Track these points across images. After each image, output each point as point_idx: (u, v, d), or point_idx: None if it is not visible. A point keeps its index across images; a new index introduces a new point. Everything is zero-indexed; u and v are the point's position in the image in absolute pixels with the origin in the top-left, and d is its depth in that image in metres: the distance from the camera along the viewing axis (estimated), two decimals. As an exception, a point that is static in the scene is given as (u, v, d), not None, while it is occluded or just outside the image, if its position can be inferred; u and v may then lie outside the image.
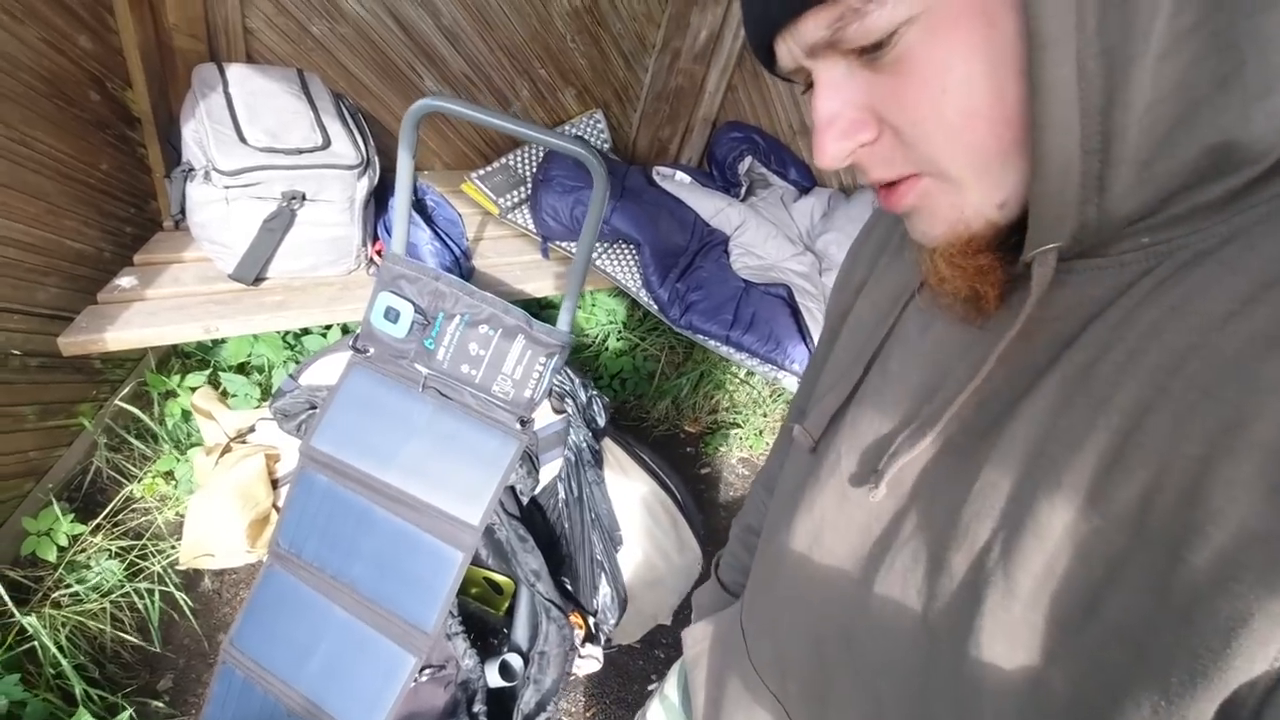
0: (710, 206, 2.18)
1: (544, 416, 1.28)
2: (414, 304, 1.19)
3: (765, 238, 2.17)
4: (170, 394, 1.83)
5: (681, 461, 2.47)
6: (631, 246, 2.10)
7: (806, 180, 2.40)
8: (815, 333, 1.97)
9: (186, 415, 1.82)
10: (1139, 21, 0.30)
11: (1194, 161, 0.32)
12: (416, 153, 1.14)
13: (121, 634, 1.49)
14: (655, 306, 2.03)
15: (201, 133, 1.54)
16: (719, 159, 2.38)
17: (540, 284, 2.02)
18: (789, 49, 0.37)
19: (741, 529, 0.80)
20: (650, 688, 1.70)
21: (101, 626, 1.47)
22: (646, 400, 2.58)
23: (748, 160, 2.34)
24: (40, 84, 1.36)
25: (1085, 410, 0.34)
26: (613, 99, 2.49)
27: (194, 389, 1.80)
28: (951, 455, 0.41)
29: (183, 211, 1.65)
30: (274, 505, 1.36)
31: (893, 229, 0.55)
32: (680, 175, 2.27)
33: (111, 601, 1.50)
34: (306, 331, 2.03)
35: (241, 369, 1.97)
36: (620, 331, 2.54)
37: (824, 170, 0.37)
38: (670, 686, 0.84)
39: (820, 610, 0.51)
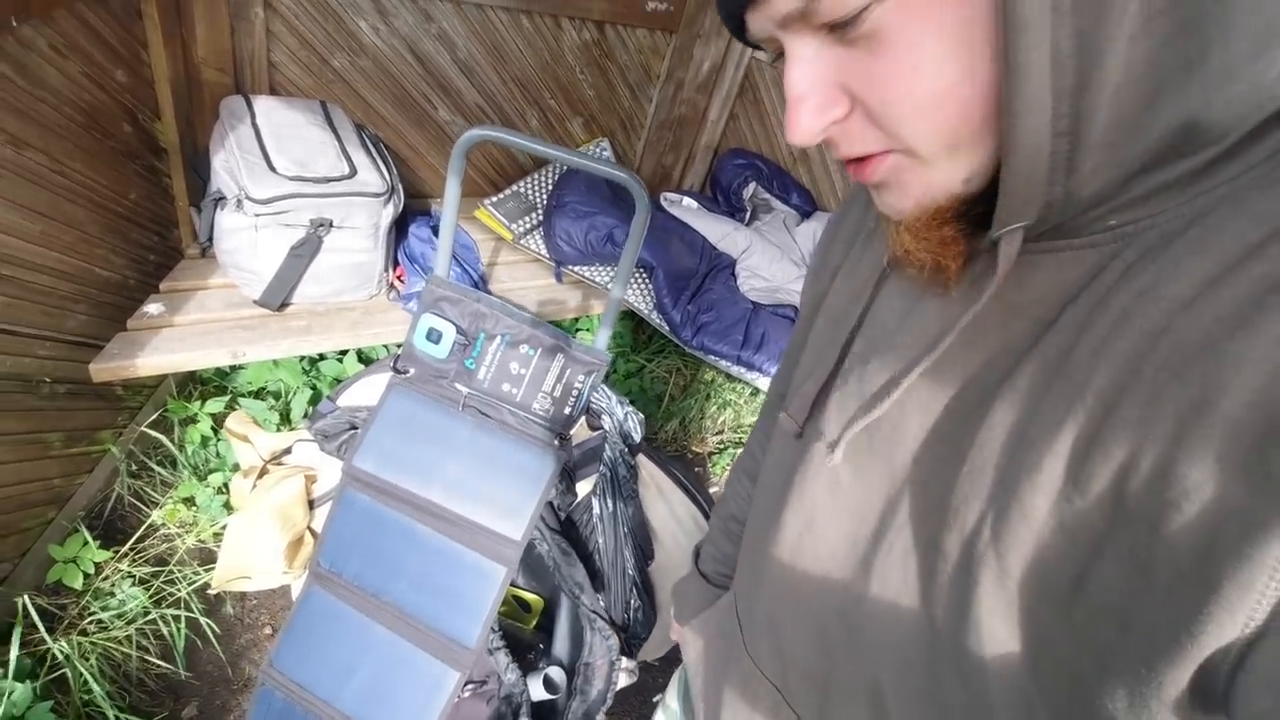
0: (717, 231, 2.24)
1: (580, 433, 1.32)
2: (456, 325, 1.22)
3: (771, 260, 2.24)
4: (190, 420, 1.84)
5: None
6: (642, 270, 2.15)
7: (808, 204, 2.48)
8: (824, 351, 2.02)
9: (205, 441, 1.82)
10: (1114, 2, 0.30)
11: (1157, 143, 0.32)
12: (462, 178, 1.18)
13: (147, 660, 1.48)
14: (668, 328, 2.08)
15: (233, 162, 1.57)
16: (724, 185, 2.46)
17: (556, 308, 2.06)
18: (760, 19, 0.37)
19: (723, 518, 0.80)
20: (655, 699, 1.70)
21: (128, 653, 1.46)
22: (655, 421, 2.61)
23: (752, 186, 2.41)
24: (80, 116, 1.39)
25: (1063, 394, 0.35)
26: (618, 127, 2.56)
27: (213, 415, 1.81)
28: (940, 441, 0.42)
29: (210, 239, 1.68)
30: (308, 527, 1.37)
31: (865, 214, 0.56)
32: (688, 201, 2.34)
33: (137, 629, 1.49)
34: (323, 357, 2.05)
35: (259, 394, 1.99)
36: (628, 354, 2.59)
37: (797, 145, 0.37)
38: (671, 695, 0.84)
39: (818, 599, 0.51)
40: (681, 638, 0.73)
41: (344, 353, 2.06)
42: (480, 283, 1.98)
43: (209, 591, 1.56)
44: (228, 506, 1.67)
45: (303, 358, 1.98)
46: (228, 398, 1.90)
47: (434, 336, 1.23)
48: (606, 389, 1.28)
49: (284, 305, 1.71)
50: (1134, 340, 0.33)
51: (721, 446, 2.63)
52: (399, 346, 1.73)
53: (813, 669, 0.53)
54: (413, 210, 2.05)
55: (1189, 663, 0.30)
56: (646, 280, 2.14)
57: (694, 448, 2.65)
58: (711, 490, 2.52)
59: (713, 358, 2.07)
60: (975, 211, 0.37)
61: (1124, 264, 0.35)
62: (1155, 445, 0.31)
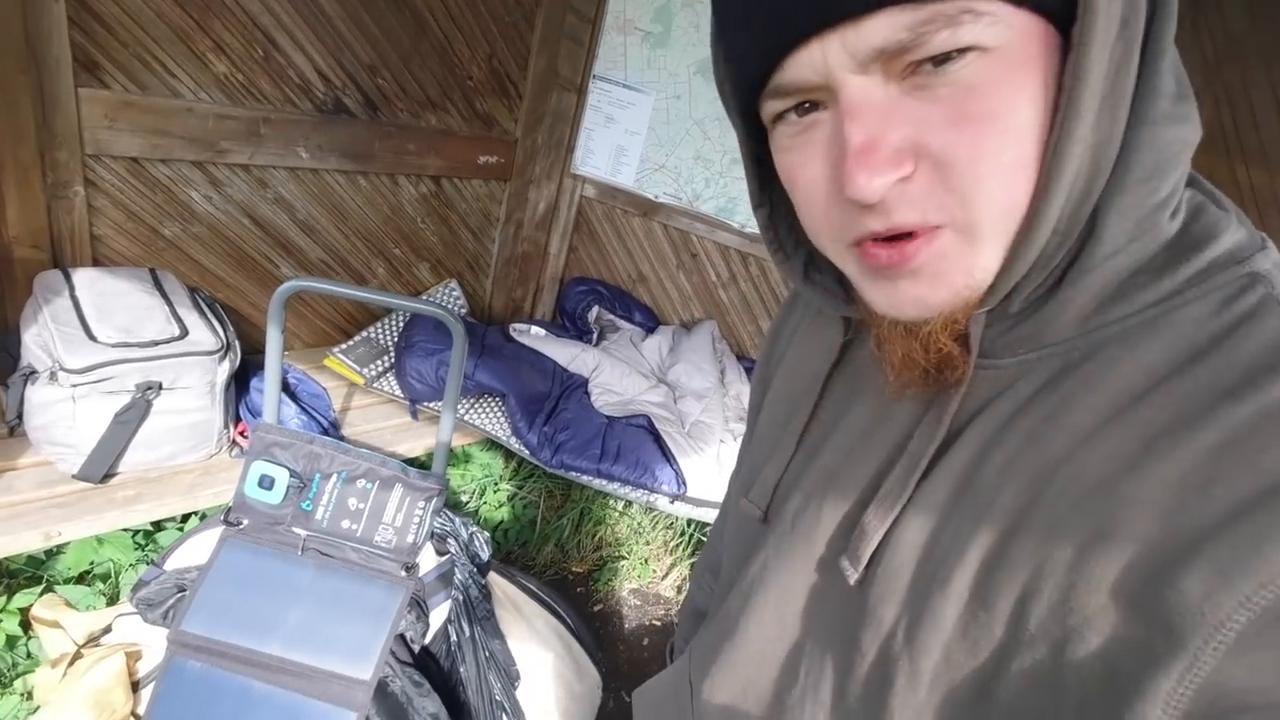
0: (566, 354, 2.38)
1: (427, 560, 1.32)
2: (289, 469, 1.23)
3: (621, 375, 2.39)
4: (-8, 620, 1.64)
5: (574, 602, 2.47)
6: (497, 399, 2.23)
7: (650, 321, 2.70)
8: (679, 455, 2.15)
9: (13, 642, 1.62)
10: (1120, 114, 0.32)
11: (1074, 241, 0.35)
12: (283, 328, 1.23)
13: None
14: (527, 451, 2.14)
15: (46, 336, 1.53)
16: (569, 311, 2.63)
17: (412, 444, 2.07)
18: (829, 53, 0.33)
19: (689, 614, 0.80)
20: None
21: None
22: (531, 547, 2.59)
23: (595, 309, 2.60)
24: None
25: (972, 509, 0.36)
26: (465, 268, 2.71)
27: (23, 609, 1.63)
28: None
29: (19, 416, 1.59)
30: (133, 713, 1.24)
31: (806, 311, 0.57)
32: (535, 329, 2.48)
33: None
34: (160, 528, 1.91)
35: (82, 578, 1.81)
36: (497, 484, 2.59)
37: (863, 199, 0.34)
38: None
39: (755, 685, 0.51)
40: (635, 697, 0.72)
41: (186, 518, 1.94)
42: (332, 429, 1.97)
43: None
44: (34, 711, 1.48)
45: (135, 531, 1.85)
46: (41, 587, 1.72)
47: (266, 483, 1.23)
48: (449, 512, 1.31)
49: (108, 476, 1.62)
50: (1038, 465, 0.35)
51: (601, 563, 2.63)
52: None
53: None
54: (255, 365, 2.04)
55: None
56: (500, 409, 2.21)
57: (574, 568, 2.63)
58: (596, 609, 2.49)
59: (574, 474, 2.14)
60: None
61: (1030, 388, 0.37)
62: (1056, 570, 0.33)
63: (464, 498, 2.56)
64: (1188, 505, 0.30)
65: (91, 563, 1.82)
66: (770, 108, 0.37)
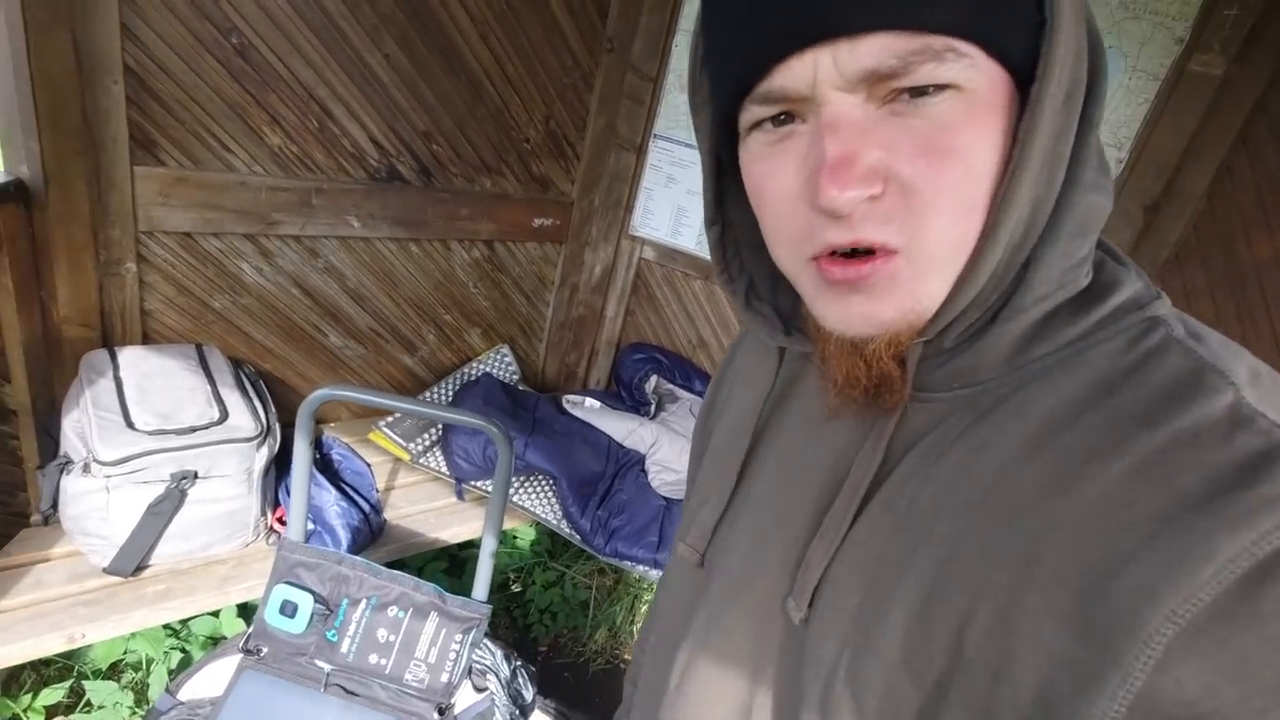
0: (622, 429, 2.23)
1: (464, 698, 1.16)
2: (314, 593, 1.10)
3: (680, 452, 2.22)
4: (15, 718, 1.56)
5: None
6: (546, 479, 2.08)
7: (710, 391, 2.52)
8: (742, 544, 1.95)
9: (36, 745, 1.54)
10: (1057, 175, 0.36)
11: (1010, 282, 0.38)
12: (311, 439, 1.12)
13: None
14: (579, 538, 1.98)
15: (84, 423, 1.47)
16: (625, 380, 2.49)
17: (458, 529, 1.94)
18: (820, 67, 0.34)
19: (632, 680, 0.75)
20: None
21: None
22: (582, 631, 2.42)
23: (653, 379, 2.45)
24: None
25: (909, 541, 0.38)
26: (518, 333, 2.61)
27: (48, 708, 1.55)
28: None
29: (54, 506, 1.53)
30: None
31: (744, 358, 0.59)
32: (590, 401, 2.34)
33: None
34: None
35: (112, 671, 1.73)
36: (546, 562, 2.44)
37: (834, 208, 0.34)
38: None
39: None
40: None
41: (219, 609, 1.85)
42: (374, 512, 1.86)
43: None
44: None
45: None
46: (71, 681, 1.64)
47: (288, 610, 1.10)
48: (490, 644, 1.16)
49: (139, 569, 1.54)
50: (970, 494, 0.36)
51: (656, 652, 2.44)
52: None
53: None
54: (300, 441, 1.96)
55: None
56: (551, 490, 2.07)
57: (626, 655, 2.44)
58: (650, 706, 2.30)
59: (628, 564, 1.97)
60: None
61: (962, 421, 0.39)
62: (992, 594, 0.34)
63: (510, 576, 2.41)
64: (1112, 525, 0.32)
65: (125, 653, 1.74)
66: (751, 114, 0.38)
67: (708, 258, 2.35)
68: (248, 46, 1.67)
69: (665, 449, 2.21)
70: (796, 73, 0.34)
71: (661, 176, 2.42)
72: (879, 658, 0.37)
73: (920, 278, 0.36)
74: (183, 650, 1.78)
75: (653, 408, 2.42)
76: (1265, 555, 0.28)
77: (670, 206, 2.43)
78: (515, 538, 2.42)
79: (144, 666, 1.74)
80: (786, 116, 0.37)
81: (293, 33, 1.71)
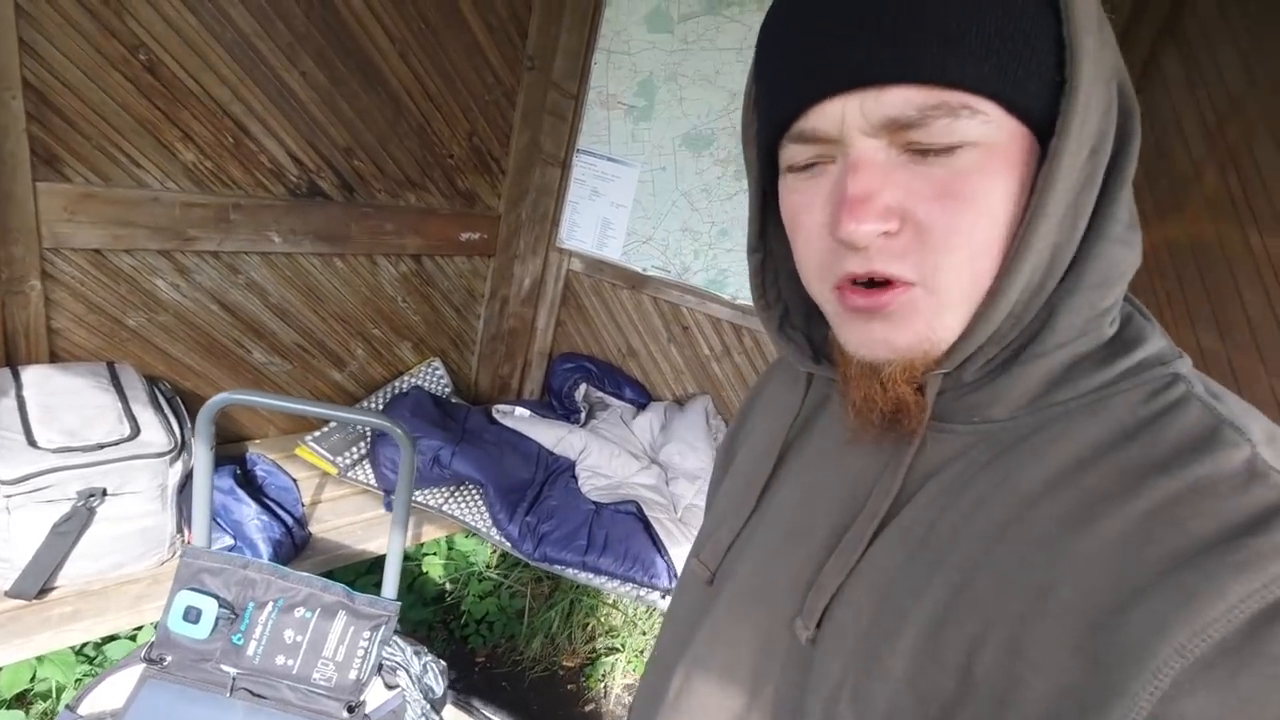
0: (551, 436, 2.26)
1: (376, 696, 1.17)
2: (218, 598, 1.11)
3: (610, 457, 2.26)
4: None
5: (565, 700, 2.29)
6: (478, 487, 2.10)
7: (642, 397, 2.58)
8: (670, 545, 2.00)
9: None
10: (1079, 225, 0.38)
11: (1030, 323, 0.40)
12: (211, 445, 1.13)
13: None
14: (508, 544, 2.00)
15: (-17, 442, 1.44)
16: (556, 389, 2.53)
17: (382, 540, 1.93)
18: (848, 111, 0.37)
19: None
20: None
21: None
22: (519, 640, 2.42)
23: (583, 387, 2.49)
24: None
25: (925, 566, 0.39)
26: (449, 346, 2.63)
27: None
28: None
29: (-48, 529, 1.48)
30: None
31: (770, 391, 0.61)
32: (520, 410, 2.37)
33: None
34: (112, 638, 1.78)
35: (20, 699, 1.67)
36: (481, 573, 2.45)
37: (854, 241, 0.39)
38: None
39: None
40: None
41: (139, 628, 1.80)
42: (298, 526, 1.85)
43: None
44: None
45: (81, 646, 1.71)
46: (-27, 714, 1.58)
47: (191, 615, 1.10)
48: (400, 640, 1.18)
49: (44, 591, 1.50)
50: (989, 524, 0.37)
51: (594, 656, 2.45)
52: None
53: None
54: (223, 457, 1.94)
55: None
56: (481, 498, 2.09)
57: (565, 662, 2.46)
58: (588, 708, 2.31)
59: (559, 567, 1.99)
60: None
61: (983, 456, 0.40)
62: (1005, 622, 0.35)
63: (447, 588, 2.41)
64: (1127, 561, 0.33)
65: (33, 679, 1.68)
66: (790, 152, 0.41)
67: (633, 268, 2.44)
68: (157, 63, 1.67)
69: (595, 454, 2.26)
70: (828, 115, 0.38)
71: (586, 190, 2.48)
72: (886, 679, 0.38)
73: (938, 309, 0.39)
74: (94, 675, 1.74)
75: (583, 415, 2.46)
76: (1275, 599, 0.30)
77: (595, 219, 2.50)
78: (450, 550, 2.43)
79: (54, 695, 1.68)
80: (822, 160, 0.41)
81: (204, 50, 1.72)
